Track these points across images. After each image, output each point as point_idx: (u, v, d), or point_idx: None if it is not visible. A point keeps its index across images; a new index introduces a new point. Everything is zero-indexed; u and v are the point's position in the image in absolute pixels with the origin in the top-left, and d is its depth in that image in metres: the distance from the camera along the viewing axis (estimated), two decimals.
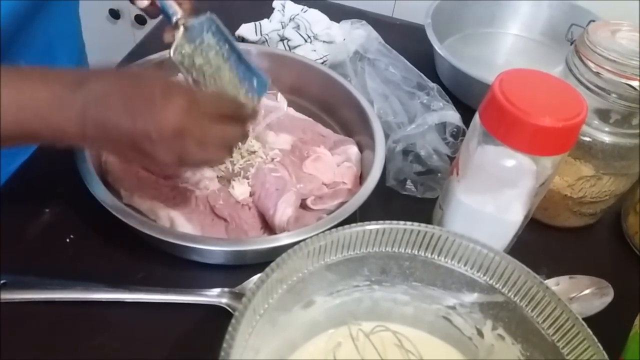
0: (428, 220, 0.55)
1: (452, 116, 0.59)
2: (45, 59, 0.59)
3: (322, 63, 0.72)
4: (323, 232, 0.40)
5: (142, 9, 0.53)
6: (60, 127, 0.40)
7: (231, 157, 0.53)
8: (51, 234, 0.52)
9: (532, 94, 0.44)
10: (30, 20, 0.55)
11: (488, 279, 0.40)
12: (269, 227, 0.53)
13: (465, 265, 0.41)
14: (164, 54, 0.56)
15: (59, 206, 0.54)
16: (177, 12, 0.50)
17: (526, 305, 0.39)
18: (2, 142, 0.40)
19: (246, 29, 0.76)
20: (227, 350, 0.32)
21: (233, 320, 0.33)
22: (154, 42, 0.63)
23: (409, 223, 0.40)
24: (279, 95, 0.53)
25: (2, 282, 0.47)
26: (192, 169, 0.53)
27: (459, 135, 0.60)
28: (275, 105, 0.61)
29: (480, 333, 0.42)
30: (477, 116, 0.47)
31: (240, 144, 0.55)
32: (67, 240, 0.51)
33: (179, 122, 0.41)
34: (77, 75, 0.41)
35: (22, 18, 0.52)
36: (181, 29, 0.49)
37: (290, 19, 0.75)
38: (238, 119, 0.46)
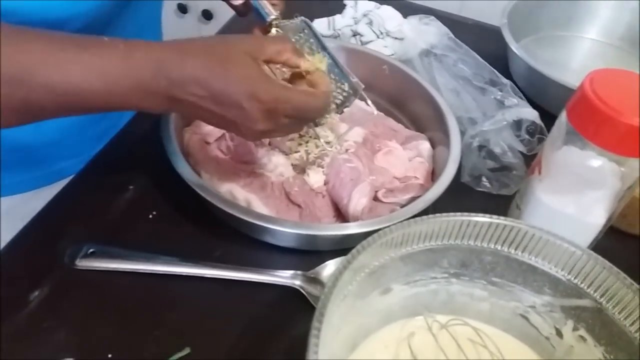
0: None
1: (530, 113, 0.59)
2: None
3: None
4: (396, 223, 0.40)
5: (233, 7, 0.54)
6: (144, 107, 0.43)
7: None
8: (135, 210, 0.54)
9: (623, 93, 0.43)
10: (120, 10, 0.57)
11: (572, 278, 0.40)
12: (341, 216, 0.54)
13: (549, 263, 0.40)
14: None
15: (142, 184, 0.56)
16: (272, 13, 0.50)
17: (613, 307, 0.38)
18: (92, 112, 0.43)
19: (319, 24, 0.77)
20: (317, 327, 0.32)
21: (322, 297, 0.34)
22: None
23: (494, 217, 0.40)
24: (369, 101, 0.53)
25: (90, 250, 0.50)
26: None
27: (535, 132, 0.59)
28: (365, 108, 0.62)
29: (559, 333, 0.41)
30: (563, 115, 0.46)
31: (315, 134, 0.56)
32: (150, 216, 0.54)
33: (265, 126, 0.43)
34: (159, 59, 0.41)
35: (113, 7, 0.55)
36: (274, 30, 0.50)
37: (364, 15, 0.76)
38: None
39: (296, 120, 0.45)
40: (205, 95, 0.42)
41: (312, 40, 0.50)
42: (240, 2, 0.53)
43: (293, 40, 0.50)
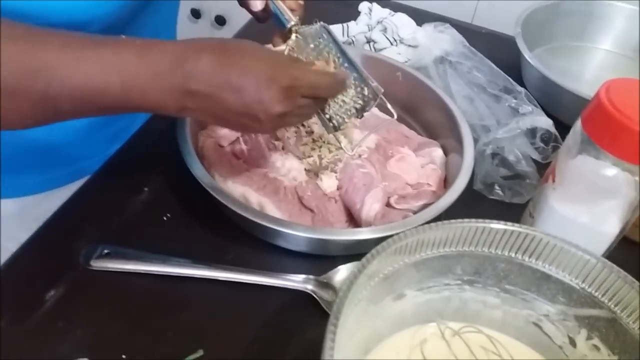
0: None
1: (544, 121, 0.59)
2: None
3: None
4: (409, 229, 0.40)
5: (253, 13, 0.54)
6: (160, 103, 0.43)
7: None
8: (149, 212, 0.55)
9: (639, 103, 0.43)
10: (138, 13, 0.58)
11: (587, 287, 0.40)
12: (354, 221, 0.54)
13: (563, 271, 0.40)
14: None
15: (157, 186, 0.57)
16: (292, 19, 0.51)
17: (627, 317, 0.38)
18: (108, 112, 0.43)
19: (333, 30, 0.77)
20: (333, 331, 0.32)
21: (337, 300, 0.34)
22: None
23: (509, 224, 0.40)
24: (389, 105, 0.53)
25: (105, 251, 0.50)
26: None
27: (550, 140, 0.59)
28: (383, 116, 0.62)
29: (572, 342, 0.41)
30: (578, 123, 0.46)
31: (336, 139, 0.56)
32: (164, 218, 0.54)
33: (284, 107, 0.44)
34: (175, 53, 0.42)
35: (133, 9, 0.56)
36: (293, 36, 0.50)
37: (378, 22, 0.76)
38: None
39: (311, 100, 0.46)
40: (222, 84, 0.42)
41: (331, 45, 0.51)
42: (260, 8, 0.53)
43: (312, 46, 0.51)
